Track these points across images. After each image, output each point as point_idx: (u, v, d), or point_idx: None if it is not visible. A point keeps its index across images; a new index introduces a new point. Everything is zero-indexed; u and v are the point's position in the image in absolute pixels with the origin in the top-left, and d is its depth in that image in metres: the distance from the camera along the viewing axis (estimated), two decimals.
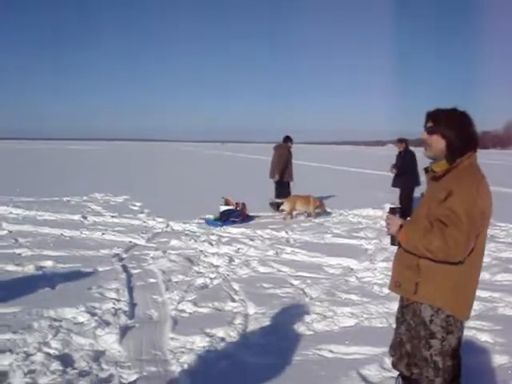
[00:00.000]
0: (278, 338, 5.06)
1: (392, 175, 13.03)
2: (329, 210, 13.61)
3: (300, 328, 5.34)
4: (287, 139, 14.23)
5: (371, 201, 14.88)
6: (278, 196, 13.59)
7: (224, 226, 11.21)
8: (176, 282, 7.05)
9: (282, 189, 13.79)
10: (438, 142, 3.05)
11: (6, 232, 10.44)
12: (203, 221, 11.80)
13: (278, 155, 13.94)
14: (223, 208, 12.12)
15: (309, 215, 12.67)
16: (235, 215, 11.84)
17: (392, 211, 3.21)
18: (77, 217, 12.34)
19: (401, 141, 13.07)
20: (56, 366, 4.39)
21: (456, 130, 3.00)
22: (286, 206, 12.48)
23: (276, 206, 13.19)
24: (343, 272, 7.66)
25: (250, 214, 12.49)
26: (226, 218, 11.68)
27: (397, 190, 12.91)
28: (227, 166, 38.55)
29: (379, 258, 8.29)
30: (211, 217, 11.84)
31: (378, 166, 31.55)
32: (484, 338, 5.16)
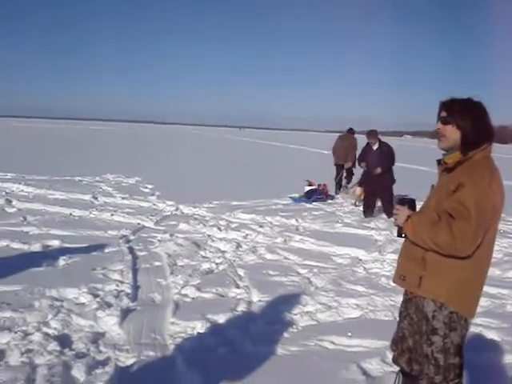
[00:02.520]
0: (280, 327, 4.97)
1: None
2: (341, 200, 13.58)
3: (303, 317, 5.25)
4: (352, 130, 15.82)
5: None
6: (349, 182, 15.21)
7: (311, 202, 12.90)
8: (181, 266, 6.99)
9: (351, 175, 15.54)
10: (452, 133, 2.92)
11: (15, 210, 10.43)
12: (290, 199, 13.17)
13: (349, 144, 15.31)
14: (307, 188, 13.55)
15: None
16: (318, 193, 13.36)
17: (401, 202, 3.10)
18: (87, 197, 12.34)
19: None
20: (53, 346, 4.34)
21: (471, 121, 2.88)
22: (358, 191, 12.80)
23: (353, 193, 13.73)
24: (351, 262, 7.55)
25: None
26: (310, 196, 13.19)
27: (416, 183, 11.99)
28: (241, 151, 38.45)
29: (389, 249, 8.16)
30: (296, 195, 13.42)
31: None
32: (491, 335, 5.04)
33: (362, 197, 12.14)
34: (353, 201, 13.06)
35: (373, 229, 9.81)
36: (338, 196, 14.37)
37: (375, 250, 8.18)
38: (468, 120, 2.88)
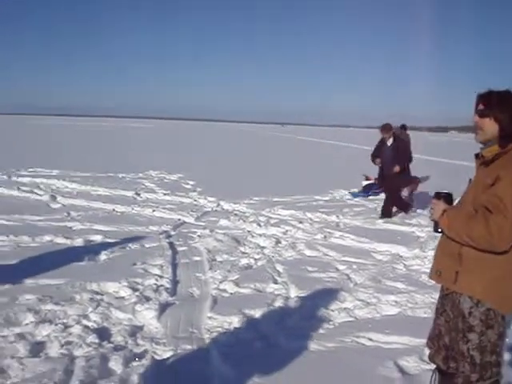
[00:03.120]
0: (317, 323, 4.94)
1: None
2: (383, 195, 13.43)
3: (341, 314, 5.22)
4: (405, 126, 15.35)
5: (429, 187, 14.48)
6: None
7: (369, 196, 13.30)
8: (220, 262, 7.03)
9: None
10: (490, 126, 2.85)
11: (59, 205, 10.68)
12: (349, 195, 13.54)
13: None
14: (365, 182, 13.92)
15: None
16: (375, 188, 13.36)
17: (437, 196, 3.05)
18: (130, 193, 12.53)
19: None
20: (92, 338, 4.42)
21: (510, 113, 2.81)
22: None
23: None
24: (391, 259, 7.45)
25: None
26: (368, 190, 13.52)
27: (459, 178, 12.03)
28: (284, 147, 38.39)
29: (430, 246, 8.00)
30: (356, 190, 13.84)
31: (443, 154, 30.87)
32: None
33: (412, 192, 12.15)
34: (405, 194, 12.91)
35: (415, 225, 9.65)
36: None
37: (416, 246, 8.05)
38: (506, 113, 2.81)
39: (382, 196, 12.87)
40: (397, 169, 10.26)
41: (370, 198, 13.16)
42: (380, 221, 10.03)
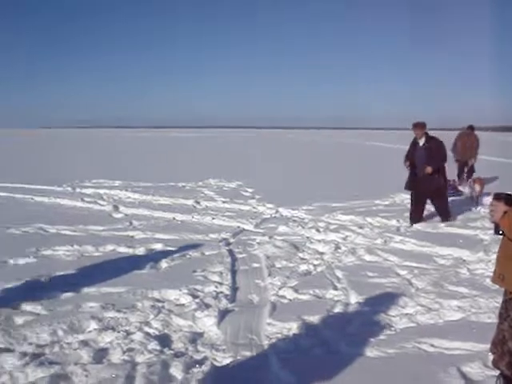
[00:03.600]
0: (378, 329, 4.87)
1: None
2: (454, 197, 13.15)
3: (402, 320, 5.13)
4: (472, 127, 16.26)
5: (495, 190, 14.08)
6: (469, 178, 14.67)
7: None
8: (279, 268, 7.03)
9: (471, 172, 15.86)
10: None
11: (122, 215, 10.92)
12: None
13: (471, 141, 15.99)
14: None
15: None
16: (450, 189, 12.55)
17: (497, 197, 2.97)
18: (190, 201, 12.69)
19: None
20: (154, 345, 4.51)
21: None
22: (478, 187, 12.52)
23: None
24: (454, 263, 7.26)
25: None
26: None
27: None
28: (335, 152, 38.08)
29: (495, 249, 7.67)
30: None
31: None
32: None
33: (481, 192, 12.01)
34: (474, 194, 12.61)
35: (478, 228, 9.38)
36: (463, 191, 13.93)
37: (480, 249, 7.81)
38: None
39: (455, 198, 12.71)
40: (428, 170, 9.59)
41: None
42: (442, 224, 9.79)
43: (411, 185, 10.11)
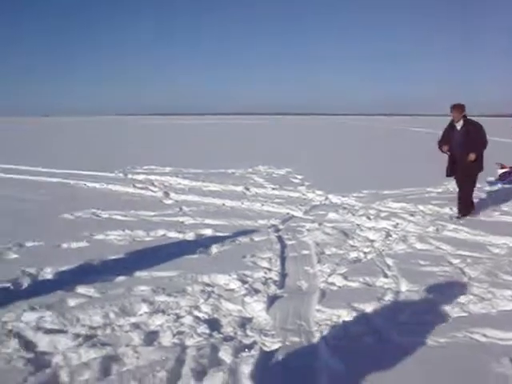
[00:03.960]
0: (429, 318, 4.78)
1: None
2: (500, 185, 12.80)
3: (454, 309, 5.01)
4: None
5: None
6: None
7: (505, 185, 12.86)
8: (329, 255, 6.98)
9: None
10: None
11: (172, 201, 11.06)
12: (487, 184, 12.94)
13: None
14: (500, 171, 13.57)
15: None
16: (507, 176, 13.28)
17: None
18: (239, 188, 12.74)
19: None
20: (203, 329, 4.55)
21: None
22: None
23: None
24: (508, 252, 7.04)
25: None
26: (503, 179, 13.26)
27: None
28: (389, 138, 37.47)
29: None
30: (492, 179, 13.42)
31: None
32: None
33: None
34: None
35: None
36: None
37: None
38: None
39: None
40: (472, 157, 8.83)
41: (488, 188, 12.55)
42: (496, 213, 9.52)
43: (452, 171, 9.50)
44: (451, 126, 9.36)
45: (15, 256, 6.86)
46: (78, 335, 4.42)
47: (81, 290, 5.54)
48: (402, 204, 10.44)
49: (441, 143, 9.41)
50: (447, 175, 9.62)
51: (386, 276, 6.06)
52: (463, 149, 8.98)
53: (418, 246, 7.40)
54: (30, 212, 9.88)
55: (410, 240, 7.67)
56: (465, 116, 9.20)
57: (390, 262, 6.62)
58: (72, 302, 5.16)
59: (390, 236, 7.95)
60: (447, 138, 9.35)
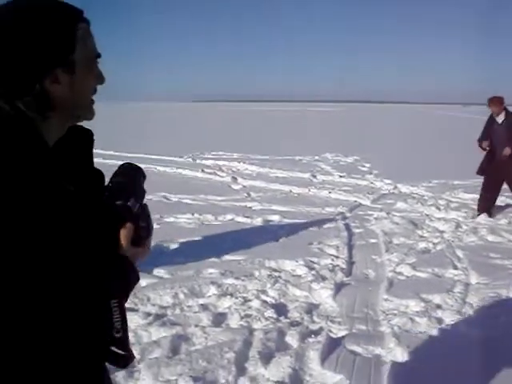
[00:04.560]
0: (499, 311, 4.68)
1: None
2: None
3: None
4: None
5: None
6: None
7: None
8: (397, 245, 6.92)
9: None
10: None
11: (240, 187, 11.21)
12: None
13: None
14: None
15: None
16: None
17: None
18: (306, 175, 12.77)
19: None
20: (270, 313, 4.61)
21: None
22: None
23: None
24: None
25: None
26: None
27: None
28: (463, 128, 36.31)
29: None
30: None
31: None
32: None
33: None
34: None
35: None
36: None
37: None
38: None
39: None
40: (508, 151, 8.17)
41: None
42: None
43: (486, 169, 8.67)
44: (492, 119, 8.68)
45: None
46: (148, 314, 4.56)
47: (151, 270, 5.70)
48: (472, 195, 10.13)
49: (481, 139, 8.73)
50: (478, 172, 8.87)
51: (455, 268, 5.96)
52: (506, 145, 8.25)
53: (490, 238, 7.24)
54: None
55: (480, 232, 7.50)
56: (505, 109, 8.51)
57: (459, 253, 6.50)
58: (143, 282, 5.30)
59: (461, 227, 7.80)
60: (487, 134, 8.67)
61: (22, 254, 1.04)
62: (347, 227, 7.80)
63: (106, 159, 15.57)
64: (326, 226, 7.82)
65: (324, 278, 5.51)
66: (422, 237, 7.31)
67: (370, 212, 8.87)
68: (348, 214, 8.74)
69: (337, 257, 6.31)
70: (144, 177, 1.40)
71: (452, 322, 4.50)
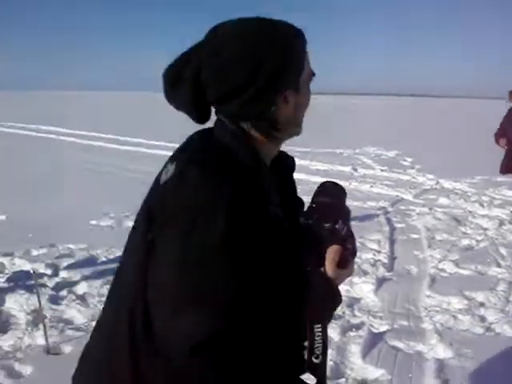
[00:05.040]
0: None
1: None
2: None
3: None
4: None
5: None
6: None
7: None
8: (439, 241, 6.86)
9: None
10: None
11: None
12: None
13: None
14: None
15: None
16: None
17: None
18: (347, 168, 12.72)
19: None
20: None
21: None
22: None
23: None
24: None
25: None
26: None
27: None
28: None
29: None
30: None
31: None
32: None
33: None
34: None
35: None
36: None
37: None
38: None
39: None
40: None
41: None
42: None
43: (508, 167, 8.45)
44: (511, 114, 8.28)
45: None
46: None
47: None
48: None
49: (498, 135, 8.34)
50: (501, 171, 8.64)
51: (499, 265, 5.89)
52: None
53: None
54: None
55: None
56: None
57: (503, 251, 6.41)
58: None
59: (504, 225, 7.69)
60: (505, 130, 8.24)
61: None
62: (389, 222, 7.76)
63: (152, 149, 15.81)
64: (367, 220, 7.79)
65: (365, 273, 5.51)
66: (465, 233, 7.23)
67: (412, 207, 8.80)
68: (390, 209, 8.69)
69: (378, 251, 6.30)
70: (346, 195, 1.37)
71: (495, 321, 4.46)
